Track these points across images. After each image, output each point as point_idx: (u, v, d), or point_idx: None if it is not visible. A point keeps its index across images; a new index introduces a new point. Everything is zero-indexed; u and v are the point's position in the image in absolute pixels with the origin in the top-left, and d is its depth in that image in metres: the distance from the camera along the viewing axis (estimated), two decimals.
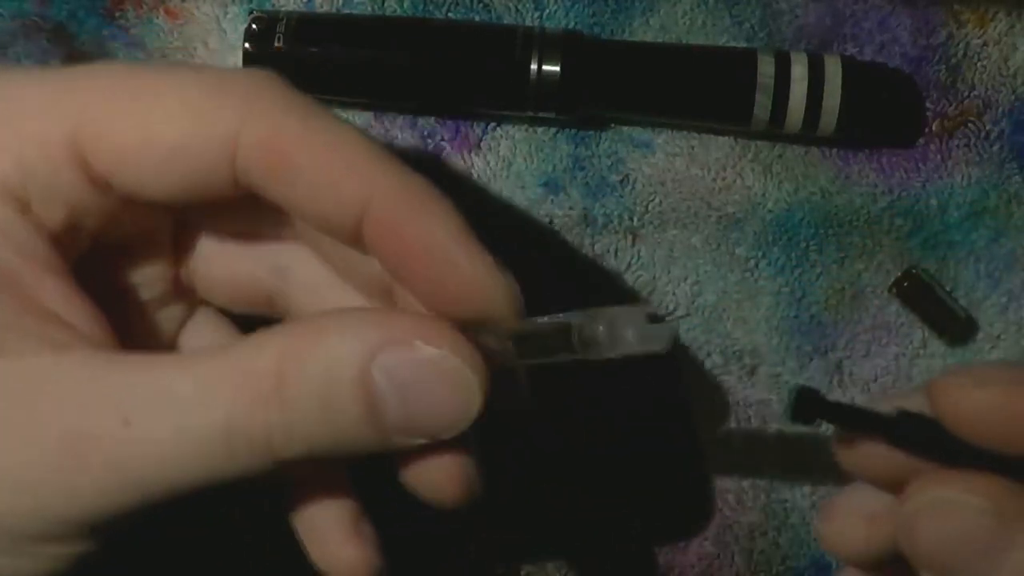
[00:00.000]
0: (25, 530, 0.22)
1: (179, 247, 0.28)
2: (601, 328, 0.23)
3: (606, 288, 0.37)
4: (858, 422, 0.26)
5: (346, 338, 0.22)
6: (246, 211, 0.26)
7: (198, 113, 0.23)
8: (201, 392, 0.22)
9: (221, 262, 0.28)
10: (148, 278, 0.27)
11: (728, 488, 0.38)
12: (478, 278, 0.24)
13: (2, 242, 0.23)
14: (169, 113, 0.23)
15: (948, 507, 0.23)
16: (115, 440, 0.22)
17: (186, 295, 0.28)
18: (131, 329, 0.27)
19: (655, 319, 0.23)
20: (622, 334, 0.23)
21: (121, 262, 0.27)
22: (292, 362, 0.22)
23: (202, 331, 0.29)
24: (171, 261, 0.28)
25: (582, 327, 0.23)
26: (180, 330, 0.29)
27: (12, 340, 0.22)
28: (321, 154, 0.23)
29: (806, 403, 0.25)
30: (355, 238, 0.24)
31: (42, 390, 0.22)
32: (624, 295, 0.37)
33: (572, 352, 0.24)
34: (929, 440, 0.25)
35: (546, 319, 0.24)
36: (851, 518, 0.26)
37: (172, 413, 0.22)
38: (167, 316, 0.28)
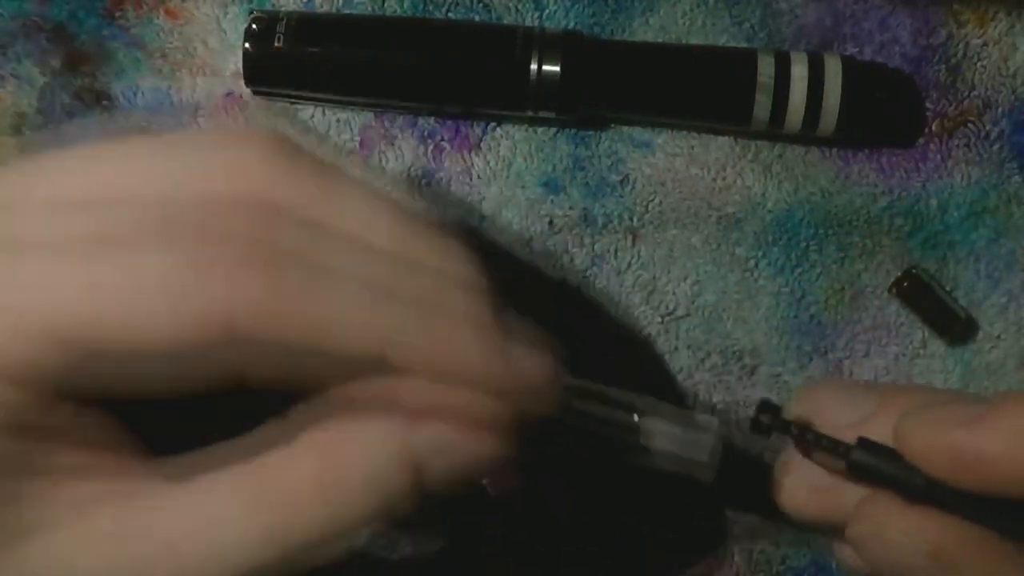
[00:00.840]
0: None
1: None
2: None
3: (606, 288, 0.37)
4: (817, 443, 0.26)
5: (382, 426, 0.23)
6: None
7: (178, 292, 0.21)
8: (245, 516, 0.22)
9: None
10: None
11: (728, 488, 0.38)
12: (515, 378, 0.24)
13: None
14: (144, 298, 0.21)
15: (889, 541, 0.24)
16: (165, 564, 0.22)
17: None
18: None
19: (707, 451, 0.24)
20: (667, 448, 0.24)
21: None
22: (334, 462, 0.23)
23: None
24: None
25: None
26: None
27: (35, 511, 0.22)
28: (322, 330, 0.22)
29: (764, 416, 0.26)
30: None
31: (87, 518, 0.23)
32: (624, 296, 0.37)
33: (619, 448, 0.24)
34: (886, 470, 0.25)
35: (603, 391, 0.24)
36: (800, 485, 0.27)
37: (210, 536, 0.22)
38: None
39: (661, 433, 0.23)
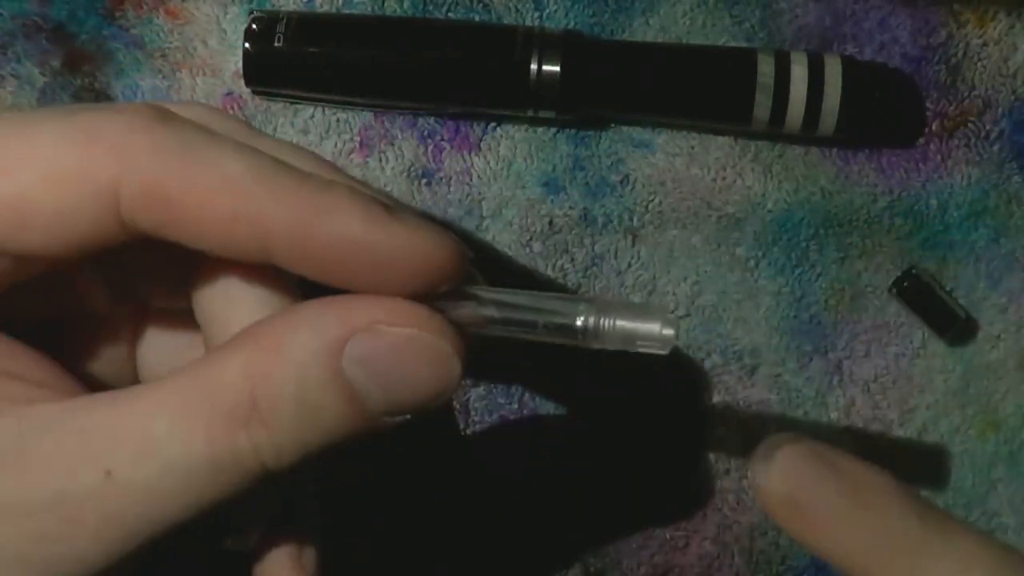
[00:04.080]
0: None
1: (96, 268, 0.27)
2: (602, 319, 0.23)
3: (606, 288, 0.37)
4: None
5: (309, 339, 0.22)
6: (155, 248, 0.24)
7: (70, 174, 0.22)
8: (177, 429, 0.21)
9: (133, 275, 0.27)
10: (92, 301, 0.26)
11: (728, 488, 0.38)
12: (409, 248, 0.22)
13: None
14: (40, 179, 0.22)
15: None
16: (102, 494, 0.21)
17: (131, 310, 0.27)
18: (84, 354, 0.26)
19: (663, 319, 0.23)
20: (626, 327, 0.23)
21: (41, 298, 0.26)
22: (261, 380, 0.22)
23: (159, 340, 0.28)
24: (96, 279, 0.27)
25: (584, 311, 0.23)
26: (136, 343, 0.28)
27: None
28: (205, 193, 0.22)
29: None
30: (268, 260, 0.23)
31: (15, 459, 0.22)
32: (624, 295, 0.37)
33: (564, 335, 0.23)
34: None
35: (542, 295, 0.24)
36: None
37: (152, 455, 0.21)
38: (119, 335, 0.27)
39: (614, 332, 0.23)
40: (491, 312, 0.23)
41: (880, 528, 0.23)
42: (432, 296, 0.23)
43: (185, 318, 0.26)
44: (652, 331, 0.23)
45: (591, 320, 0.23)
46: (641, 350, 0.23)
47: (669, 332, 0.23)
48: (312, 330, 0.22)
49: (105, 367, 0.27)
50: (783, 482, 0.23)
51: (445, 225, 0.37)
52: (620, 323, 0.23)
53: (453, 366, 0.22)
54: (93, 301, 0.26)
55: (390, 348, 0.22)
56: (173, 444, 0.21)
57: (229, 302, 0.25)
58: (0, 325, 0.24)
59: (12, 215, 0.22)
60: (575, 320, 0.23)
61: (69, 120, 0.23)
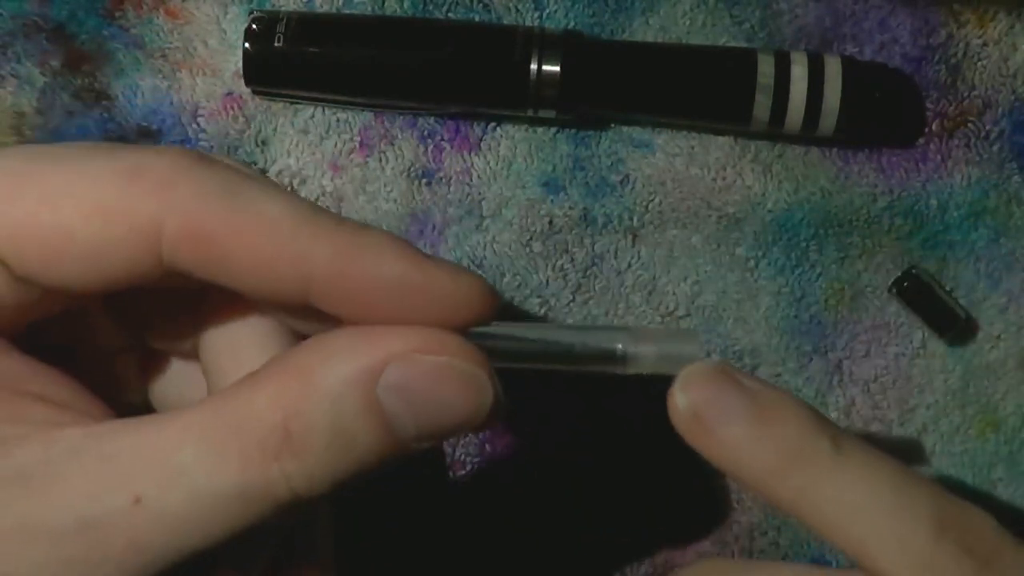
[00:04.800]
0: None
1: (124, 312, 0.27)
2: (637, 347, 0.24)
3: (606, 288, 0.37)
4: None
5: (343, 368, 0.22)
6: (182, 280, 0.24)
7: (113, 209, 0.22)
8: (205, 457, 0.21)
9: (150, 317, 0.27)
10: (100, 337, 0.27)
11: (728, 488, 0.38)
12: (441, 289, 0.23)
13: None
14: (82, 211, 0.22)
15: None
16: (130, 520, 0.21)
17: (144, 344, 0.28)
18: (104, 384, 0.26)
19: (683, 339, 0.24)
20: (645, 352, 0.24)
21: (68, 329, 0.26)
22: (293, 409, 0.22)
23: (168, 372, 0.28)
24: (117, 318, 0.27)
25: (623, 340, 0.24)
26: (146, 373, 0.28)
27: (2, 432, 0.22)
28: (249, 234, 0.22)
29: None
30: (305, 307, 0.23)
31: (43, 484, 0.21)
32: (624, 295, 0.37)
33: (605, 363, 0.24)
34: None
35: (572, 326, 0.24)
36: None
37: (180, 483, 0.21)
38: (132, 365, 0.27)
39: (651, 357, 0.24)
40: (522, 344, 0.24)
41: (778, 442, 0.24)
42: (464, 333, 0.23)
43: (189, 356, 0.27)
44: (691, 353, 0.24)
45: (630, 348, 0.24)
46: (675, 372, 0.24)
47: (698, 352, 0.24)
48: (346, 359, 0.22)
49: (116, 393, 0.27)
50: (688, 398, 0.25)
51: (445, 225, 0.37)
52: (654, 350, 0.24)
53: (486, 393, 0.23)
54: (103, 335, 0.27)
55: (425, 376, 0.22)
56: (201, 472, 0.21)
57: (234, 347, 0.25)
58: (27, 347, 0.24)
59: (50, 247, 0.22)
60: (615, 347, 0.24)
61: (113, 156, 0.23)
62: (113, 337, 0.27)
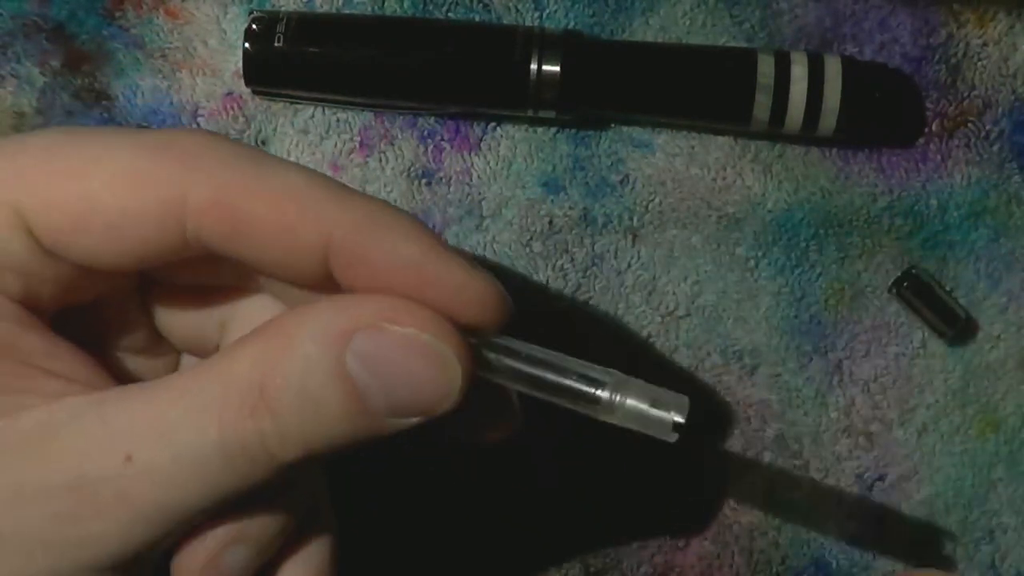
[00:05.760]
0: None
1: (145, 301, 0.27)
2: (615, 395, 0.23)
3: (606, 288, 0.37)
4: None
5: (315, 332, 0.22)
6: (202, 267, 0.25)
7: (140, 179, 0.22)
8: (190, 413, 0.22)
9: (172, 319, 0.27)
10: (124, 331, 0.27)
11: (728, 488, 0.38)
12: (454, 283, 0.23)
13: None
14: (110, 181, 0.22)
15: None
16: (121, 478, 0.22)
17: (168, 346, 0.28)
18: (105, 332, 0.26)
19: (673, 406, 0.23)
20: (636, 407, 0.23)
21: (97, 319, 0.26)
22: (269, 368, 0.22)
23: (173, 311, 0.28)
24: (143, 313, 0.27)
25: (605, 384, 0.23)
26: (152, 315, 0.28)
27: (4, 402, 0.22)
28: (271, 203, 0.23)
29: None
30: (321, 284, 0.24)
31: (42, 445, 0.22)
32: (624, 295, 0.37)
33: (579, 403, 0.23)
34: None
35: (564, 357, 0.24)
36: None
37: (168, 439, 0.22)
38: (153, 366, 0.28)
39: (626, 409, 0.23)
40: (511, 363, 0.24)
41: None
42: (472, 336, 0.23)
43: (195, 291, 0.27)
44: (663, 420, 0.23)
45: (607, 395, 0.23)
46: (647, 432, 0.24)
47: (679, 421, 0.23)
48: (320, 324, 0.22)
49: (120, 333, 0.27)
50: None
51: (445, 225, 0.37)
52: (633, 404, 0.23)
53: (453, 371, 0.22)
54: (130, 335, 0.27)
55: (390, 346, 0.22)
56: (186, 431, 0.22)
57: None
58: (43, 320, 0.24)
59: (77, 216, 0.23)
60: (593, 390, 0.23)
61: (140, 133, 0.24)
62: (140, 338, 0.27)
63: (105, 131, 0.24)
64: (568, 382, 0.24)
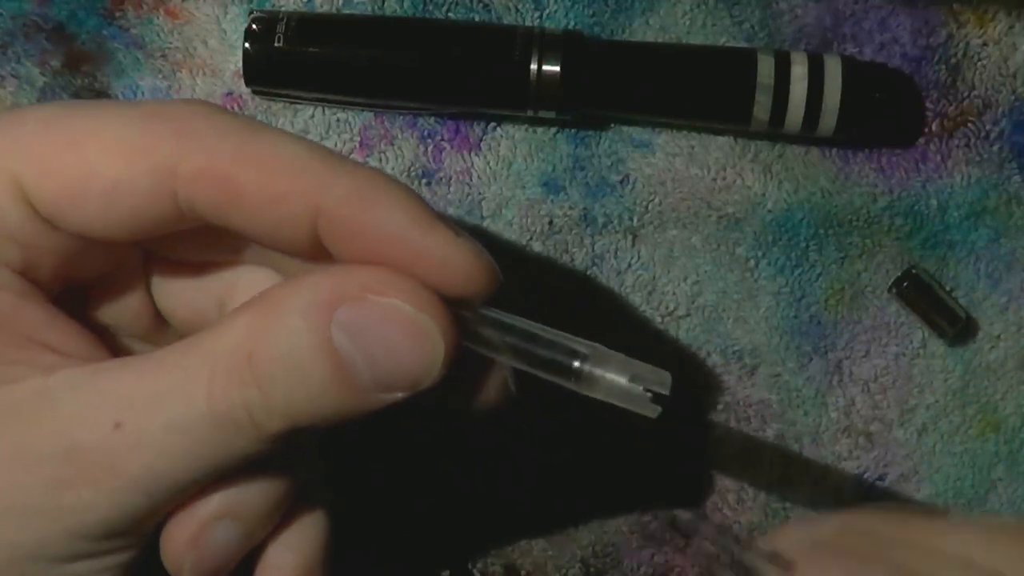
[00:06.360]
0: (48, 554, 0.22)
1: (147, 281, 0.27)
2: (595, 368, 0.23)
3: (606, 288, 0.37)
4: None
5: (302, 304, 0.22)
6: (200, 239, 0.25)
7: (132, 148, 0.23)
8: (181, 382, 0.22)
9: (173, 297, 0.27)
10: (127, 313, 0.27)
11: (728, 488, 0.38)
12: (440, 253, 0.23)
13: None
14: (105, 151, 0.23)
15: None
16: (111, 445, 0.22)
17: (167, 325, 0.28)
18: (103, 303, 0.27)
19: (654, 381, 0.23)
20: (616, 381, 0.23)
21: (100, 300, 0.27)
22: (257, 339, 0.22)
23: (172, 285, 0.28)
24: (145, 295, 0.27)
25: (586, 357, 0.23)
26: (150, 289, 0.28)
27: (1, 371, 0.23)
28: (262, 170, 0.23)
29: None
30: (313, 253, 0.24)
31: (36, 413, 0.22)
32: (624, 295, 0.37)
33: (559, 374, 0.23)
34: None
35: (548, 330, 0.24)
36: None
37: (158, 408, 0.22)
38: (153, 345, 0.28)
39: (606, 382, 0.23)
40: (495, 334, 0.23)
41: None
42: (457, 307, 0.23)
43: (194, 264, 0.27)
44: (644, 394, 0.23)
45: (587, 367, 0.23)
46: (628, 408, 0.23)
47: (662, 394, 0.23)
48: (306, 296, 0.22)
49: (123, 315, 0.27)
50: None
51: None
52: (613, 377, 0.23)
53: (435, 344, 0.22)
54: (134, 318, 0.27)
55: (373, 318, 0.22)
56: (176, 400, 0.22)
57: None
58: (44, 294, 0.24)
59: (73, 183, 0.23)
60: (572, 362, 0.23)
61: (135, 104, 0.24)
62: (142, 322, 0.27)
63: (103, 103, 0.24)
64: (549, 354, 0.23)
